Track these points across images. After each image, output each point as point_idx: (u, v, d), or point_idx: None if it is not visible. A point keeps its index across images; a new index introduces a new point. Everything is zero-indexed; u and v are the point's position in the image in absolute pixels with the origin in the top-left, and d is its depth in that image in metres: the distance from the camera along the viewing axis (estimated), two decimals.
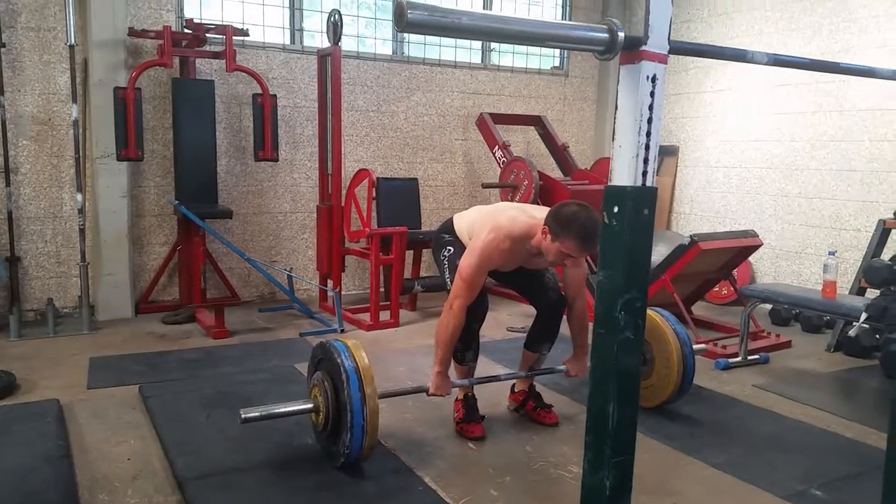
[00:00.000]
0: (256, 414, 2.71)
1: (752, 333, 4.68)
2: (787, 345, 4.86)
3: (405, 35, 6.29)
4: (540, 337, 3.39)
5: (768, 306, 5.35)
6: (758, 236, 5.02)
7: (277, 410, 2.80)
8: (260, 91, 5.20)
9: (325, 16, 5.48)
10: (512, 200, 5.92)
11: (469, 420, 3.22)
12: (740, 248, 4.95)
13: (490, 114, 6.45)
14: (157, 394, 3.57)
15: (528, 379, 3.48)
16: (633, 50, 1.42)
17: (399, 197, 5.90)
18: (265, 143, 5.24)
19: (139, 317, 5.25)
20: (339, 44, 5.24)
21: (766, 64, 1.70)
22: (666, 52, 1.44)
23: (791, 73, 5.64)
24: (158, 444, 3.03)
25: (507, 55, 7.00)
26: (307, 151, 5.96)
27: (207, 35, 5.20)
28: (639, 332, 1.53)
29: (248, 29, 5.40)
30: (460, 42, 6.51)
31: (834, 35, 5.55)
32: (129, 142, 4.76)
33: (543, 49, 6.94)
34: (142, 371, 4.00)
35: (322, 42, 5.86)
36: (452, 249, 3.26)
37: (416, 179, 6.17)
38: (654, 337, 3.46)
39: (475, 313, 3.12)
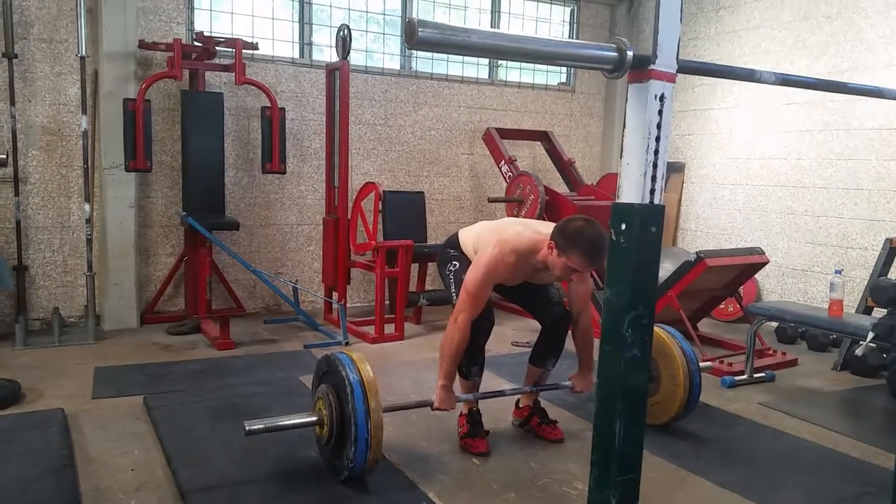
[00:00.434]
0: (260, 426, 2.71)
1: (759, 351, 4.66)
2: (794, 363, 4.84)
3: (413, 50, 6.33)
4: (545, 352, 3.38)
5: (774, 324, 5.32)
6: (764, 253, 5.01)
7: (281, 423, 2.80)
8: (269, 104, 5.23)
9: (334, 30, 5.52)
10: (518, 215, 5.93)
11: (473, 435, 3.21)
12: (746, 266, 4.94)
13: (496, 129, 6.47)
14: (161, 405, 3.57)
15: (533, 394, 3.47)
16: (641, 69, 1.43)
17: (405, 210, 5.92)
18: (273, 156, 5.27)
19: (144, 327, 5.26)
20: (348, 58, 5.28)
21: (775, 83, 1.71)
22: (674, 72, 1.45)
23: (798, 92, 5.65)
24: (162, 455, 3.02)
25: (514, 70, 7.03)
26: (314, 164, 5.99)
27: (217, 48, 5.25)
28: (646, 349, 1.53)
29: (257, 42, 5.45)
30: (468, 57, 6.55)
31: (841, 54, 5.56)
32: (137, 153, 4.79)
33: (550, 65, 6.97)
34: (146, 382, 4.01)
35: (331, 56, 5.90)
36: (458, 264, 3.26)
37: (422, 193, 6.18)
38: (660, 354, 3.45)
39: (481, 328, 3.11)
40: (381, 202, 5.49)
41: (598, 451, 1.57)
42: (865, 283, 4.90)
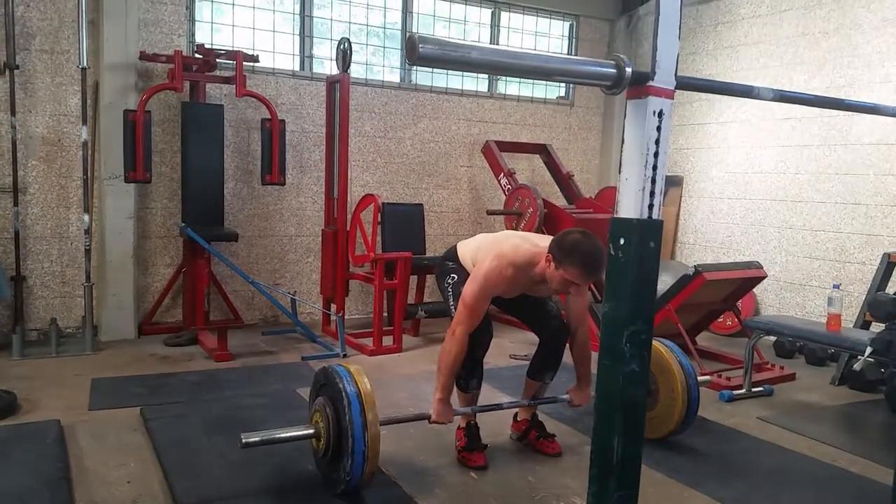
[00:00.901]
0: (257, 439, 2.70)
1: (757, 365, 4.65)
2: (792, 377, 4.83)
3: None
4: (543, 365, 3.38)
5: (773, 338, 5.33)
6: (762, 268, 5.02)
7: (278, 436, 2.79)
8: (269, 116, 5.25)
9: (335, 43, 5.55)
10: (516, 228, 5.94)
11: (471, 448, 3.20)
12: (745, 280, 4.95)
13: (496, 141, 6.49)
14: (158, 416, 3.56)
15: (532, 408, 3.46)
16: (640, 85, 1.44)
17: (404, 222, 5.93)
18: (272, 168, 5.28)
19: (142, 338, 5.25)
20: (348, 71, 5.30)
21: (773, 100, 1.72)
22: (673, 88, 1.46)
23: (796, 107, 5.67)
24: (159, 467, 3.01)
25: (514, 84, 7.07)
26: (314, 176, 6.00)
27: (218, 60, 5.27)
28: (644, 364, 1.53)
29: (258, 55, 5.48)
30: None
31: (838, 70, 5.60)
32: (137, 164, 4.80)
33: None
34: (143, 393, 3.99)
35: (331, 69, 5.93)
36: (456, 277, 3.26)
37: (421, 205, 6.19)
38: (658, 368, 3.44)
39: (480, 341, 3.11)
40: (380, 214, 5.50)
41: (596, 465, 1.57)
42: (863, 297, 4.91)
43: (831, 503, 2.97)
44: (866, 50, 5.40)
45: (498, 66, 1.36)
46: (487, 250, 3.08)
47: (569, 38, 7.42)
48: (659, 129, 1.46)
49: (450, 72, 6.62)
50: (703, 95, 6.65)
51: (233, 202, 5.70)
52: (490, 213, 6.27)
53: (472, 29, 6.87)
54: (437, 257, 6.15)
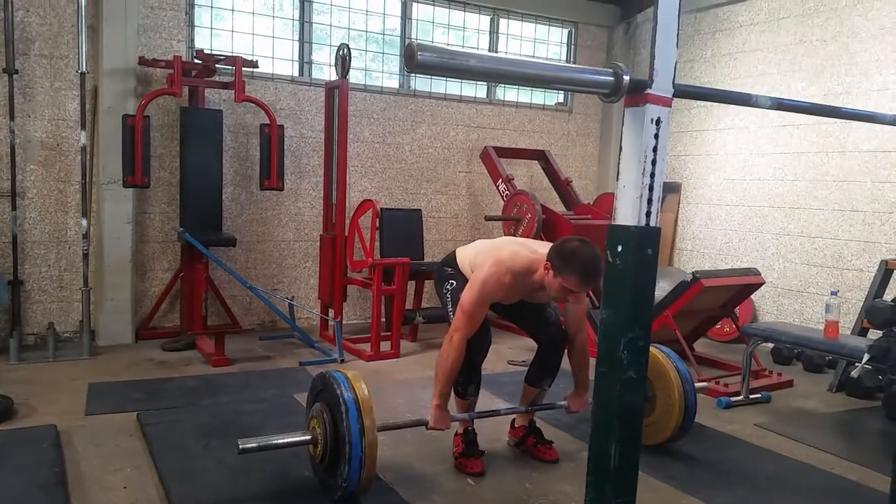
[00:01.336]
0: (254, 445, 2.69)
1: (754, 372, 4.65)
2: (789, 384, 4.84)
3: None
4: (541, 372, 3.38)
5: (770, 345, 5.33)
6: (760, 274, 5.02)
7: (275, 442, 2.78)
8: (268, 121, 5.25)
9: (334, 49, 5.57)
10: (515, 234, 5.94)
11: (468, 455, 3.19)
12: (742, 286, 4.95)
13: (494, 147, 6.51)
14: (155, 422, 3.55)
15: (529, 414, 3.46)
16: (637, 93, 1.45)
17: (402, 228, 5.93)
18: (271, 173, 5.28)
19: (139, 343, 5.24)
20: (347, 77, 5.31)
21: (770, 108, 1.73)
22: (670, 96, 1.47)
23: (794, 114, 5.69)
24: (155, 473, 3.00)
25: (512, 90, 7.08)
26: (312, 181, 6.01)
27: (217, 65, 5.28)
28: (642, 371, 1.53)
29: (257, 60, 5.49)
30: None
31: (836, 77, 5.62)
32: (136, 169, 4.80)
33: None
34: (141, 398, 3.98)
35: (330, 75, 5.94)
36: (455, 283, 3.26)
37: (419, 210, 6.20)
38: (655, 374, 3.44)
39: (478, 347, 3.11)
40: (378, 219, 5.50)
41: (593, 472, 1.57)
42: (861, 304, 4.92)
43: None
44: (864, 58, 5.42)
45: (496, 73, 1.37)
46: (486, 256, 3.08)
47: (567, 45, 7.44)
48: (657, 136, 1.47)
49: (448, 78, 6.63)
50: (702, 103, 6.67)
51: (231, 207, 5.70)
52: (488, 218, 6.28)
53: (471, 35, 6.89)
54: (435, 263, 6.15)
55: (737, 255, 6.39)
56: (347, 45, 5.31)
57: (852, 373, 3.99)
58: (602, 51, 7.47)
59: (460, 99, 6.73)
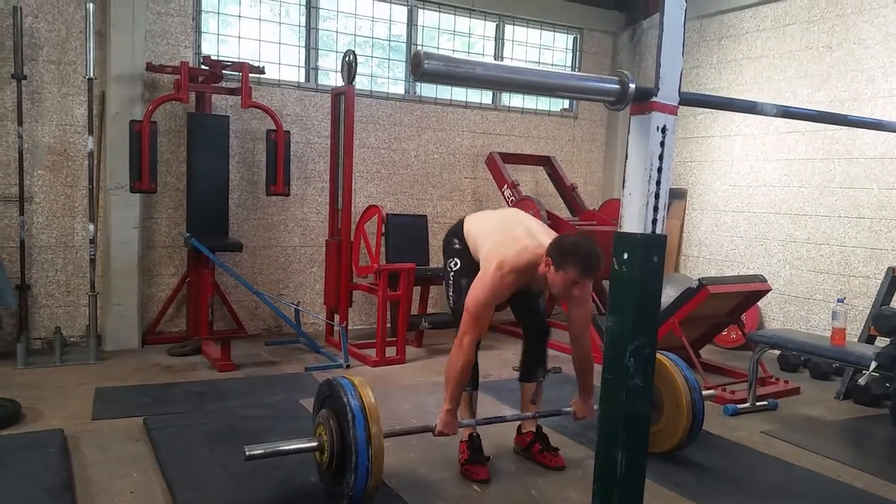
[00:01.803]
0: (260, 451, 2.69)
1: (761, 379, 4.64)
2: (796, 391, 4.82)
3: None
4: (531, 364, 3.43)
5: (777, 352, 5.31)
6: (766, 281, 5.01)
7: (281, 448, 2.77)
8: (274, 127, 5.27)
9: (340, 55, 5.59)
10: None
11: (474, 462, 3.19)
12: (749, 293, 4.94)
13: (500, 153, 6.51)
14: (161, 427, 3.56)
15: (535, 420, 3.45)
16: (643, 101, 1.45)
17: (408, 233, 5.93)
18: (277, 178, 5.30)
19: (146, 347, 5.25)
20: (353, 83, 5.33)
21: (776, 115, 1.73)
22: (676, 104, 1.47)
23: (800, 121, 5.68)
24: (161, 477, 3.01)
25: (518, 96, 7.09)
26: (318, 187, 6.03)
27: (224, 72, 5.30)
28: (648, 378, 1.53)
29: (264, 66, 5.51)
30: None
31: (842, 84, 5.61)
32: (143, 174, 4.82)
33: None
34: (147, 403, 3.99)
35: (336, 81, 5.96)
36: (459, 263, 3.30)
37: (425, 216, 6.21)
38: (663, 382, 3.44)
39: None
40: (383, 225, 5.51)
41: (599, 480, 1.57)
42: (868, 311, 4.89)
43: None
44: (870, 65, 5.42)
45: (502, 81, 1.38)
46: (491, 250, 3.07)
47: (573, 52, 7.45)
48: (662, 144, 1.47)
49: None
50: (707, 109, 6.66)
51: (237, 213, 5.72)
52: None
53: (476, 42, 6.90)
54: (440, 269, 6.17)
55: (743, 261, 6.38)
56: (353, 52, 5.33)
57: (859, 380, 3.98)
58: (607, 57, 7.48)
59: (466, 105, 6.74)
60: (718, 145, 6.65)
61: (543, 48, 7.25)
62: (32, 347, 4.93)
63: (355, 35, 6.23)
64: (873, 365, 3.70)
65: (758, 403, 4.36)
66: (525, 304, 3.44)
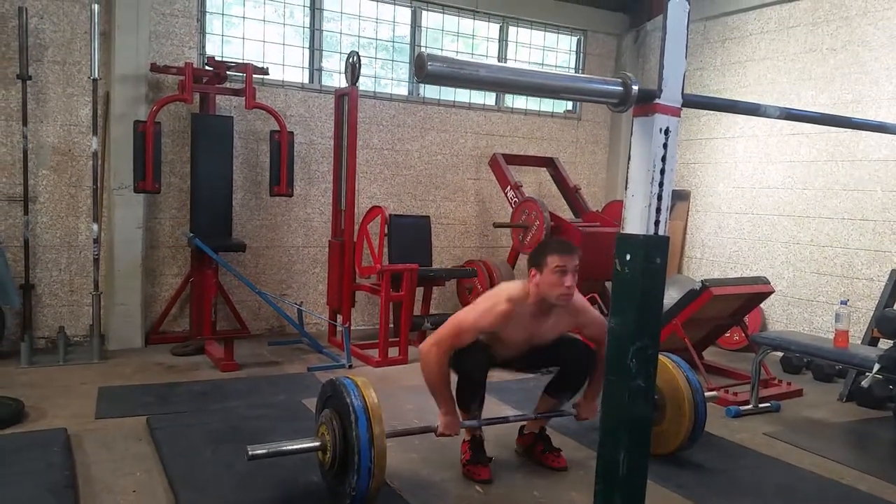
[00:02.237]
0: (263, 451, 2.70)
1: (764, 381, 4.63)
2: (799, 393, 4.81)
3: None
4: (563, 385, 3.37)
5: (780, 354, 5.30)
6: (769, 283, 5.00)
7: (284, 448, 2.78)
8: (278, 128, 5.29)
9: (344, 56, 5.60)
10: (523, 240, 5.96)
11: (476, 462, 3.19)
12: (752, 295, 4.93)
13: (503, 154, 6.52)
14: (164, 426, 3.57)
15: (538, 422, 3.45)
16: (646, 103, 1.45)
17: (411, 234, 5.94)
18: (281, 179, 5.31)
19: (149, 347, 5.27)
20: (357, 84, 5.34)
21: (779, 118, 1.73)
22: (679, 106, 1.47)
23: (803, 123, 5.68)
24: (164, 477, 3.02)
25: (521, 98, 7.09)
26: (321, 187, 6.03)
27: (228, 72, 5.31)
28: (650, 380, 1.53)
29: (268, 68, 5.53)
30: None
31: (846, 86, 5.60)
32: (146, 174, 4.83)
33: None
34: (150, 402, 4.00)
35: (340, 82, 5.97)
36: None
37: (428, 217, 6.21)
38: (665, 383, 3.43)
39: (473, 365, 3.10)
40: (386, 226, 5.51)
41: (601, 481, 1.57)
42: (871, 314, 4.89)
43: None
44: (874, 67, 5.41)
45: (505, 83, 1.38)
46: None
47: (576, 53, 7.45)
48: (665, 146, 1.47)
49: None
50: (711, 111, 6.66)
51: (241, 213, 5.73)
52: (496, 225, 6.29)
53: (480, 43, 6.91)
54: (443, 269, 6.19)
55: (746, 263, 6.37)
56: (357, 53, 5.34)
57: (862, 382, 3.97)
58: (611, 59, 7.48)
59: (469, 106, 6.74)
60: (722, 147, 6.64)
61: (547, 50, 7.25)
62: (36, 346, 4.95)
63: (359, 36, 6.24)
64: (876, 367, 3.69)
65: (760, 405, 4.35)
66: (552, 349, 3.26)
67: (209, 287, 5.14)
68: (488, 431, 3.35)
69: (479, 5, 6.65)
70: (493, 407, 3.99)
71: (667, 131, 1.46)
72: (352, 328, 5.39)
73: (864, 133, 5.44)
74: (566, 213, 6.55)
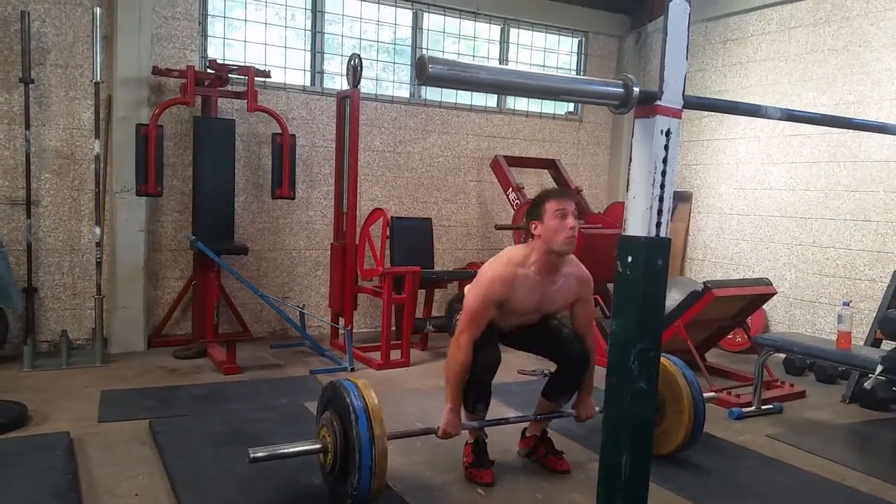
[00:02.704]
0: (264, 454, 2.70)
1: (766, 382, 4.63)
2: (802, 395, 4.80)
3: None
4: (560, 388, 3.35)
5: (782, 355, 5.30)
6: (772, 284, 5.00)
7: (285, 451, 2.79)
8: (279, 131, 5.29)
9: (345, 59, 5.61)
10: (525, 243, 5.94)
11: (479, 465, 3.19)
12: (754, 296, 4.93)
13: (504, 156, 6.52)
14: (166, 429, 3.57)
15: (540, 424, 3.44)
16: (647, 104, 1.45)
17: (413, 236, 5.94)
18: (283, 182, 5.32)
19: (151, 350, 5.27)
20: (359, 86, 5.34)
21: (780, 119, 1.73)
22: (680, 107, 1.47)
23: (805, 124, 5.67)
24: (167, 480, 3.02)
25: (522, 100, 7.09)
26: (323, 190, 6.04)
27: (230, 75, 5.32)
28: (652, 382, 1.53)
29: (269, 70, 5.54)
30: None
31: (847, 87, 5.60)
32: (149, 177, 4.84)
33: None
34: (152, 405, 4.01)
35: (342, 84, 5.98)
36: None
37: (429, 219, 6.21)
38: (664, 383, 3.43)
39: (487, 365, 3.09)
40: (388, 228, 5.52)
41: (603, 483, 1.57)
42: (874, 315, 4.88)
43: None
44: (875, 67, 5.40)
45: (506, 86, 1.39)
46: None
47: (578, 55, 7.45)
48: (667, 148, 1.47)
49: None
50: (712, 112, 6.65)
51: (243, 216, 5.74)
52: (498, 227, 6.28)
53: (481, 45, 6.91)
54: (445, 272, 6.19)
55: (748, 264, 6.36)
56: (359, 55, 5.34)
57: (865, 384, 3.96)
58: (612, 60, 7.48)
59: (470, 108, 6.75)
60: (724, 148, 6.64)
61: (548, 51, 7.26)
62: (39, 350, 4.95)
63: (360, 39, 6.25)
64: (879, 368, 3.69)
65: (763, 407, 4.35)
66: (552, 340, 3.29)
67: (211, 290, 5.14)
68: (491, 435, 3.35)
69: (481, 7, 6.66)
70: (495, 410, 3.97)
71: (668, 133, 1.46)
72: (354, 331, 5.39)
73: (865, 134, 5.43)
74: None
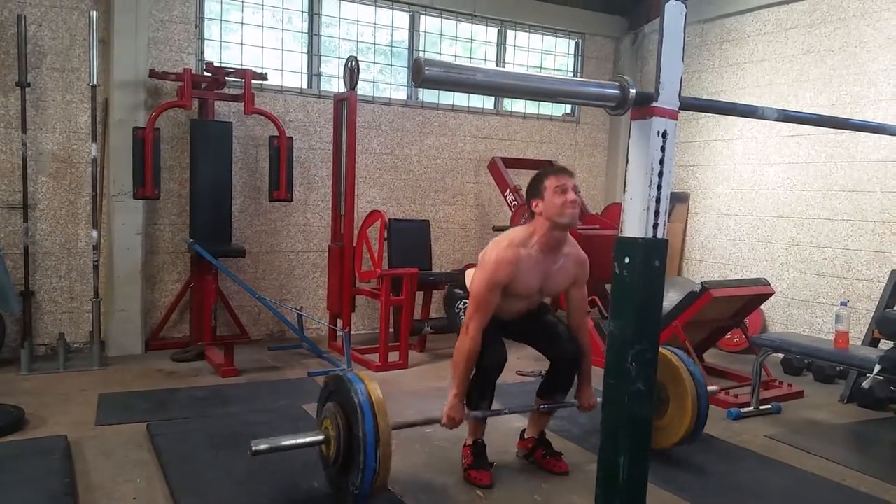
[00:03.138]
0: (266, 446, 2.66)
1: (764, 383, 4.63)
2: (800, 395, 4.80)
3: None
4: (554, 387, 3.36)
5: (780, 355, 5.30)
6: (769, 284, 5.00)
7: (287, 443, 2.75)
8: (277, 133, 5.29)
9: (342, 62, 5.61)
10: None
11: (477, 467, 3.18)
12: (752, 297, 4.93)
13: (502, 158, 6.52)
14: (164, 432, 3.56)
15: (539, 426, 3.44)
16: (644, 106, 1.45)
17: (410, 238, 5.94)
18: (280, 184, 5.32)
19: (149, 353, 5.26)
20: (356, 89, 5.34)
21: (777, 120, 1.73)
22: (677, 109, 1.48)
23: (801, 125, 5.68)
24: (165, 483, 3.01)
25: (520, 101, 7.10)
26: (321, 192, 6.04)
27: (227, 78, 5.32)
28: (650, 383, 1.53)
29: (266, 73, 5.53)
30: None
31: (844, 87, 5.61)
32: (146, 180, 4.83)
33: None
34: (150, 408, 4.00)
35: (339, 87, 5.98)
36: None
37: (427, 221, 6.21)
38: (669, 377, 3.43)
39: (493, 362, 3.10)
40: (386, 230, 5.51)
41: (602, 485, 1.57)
42: (871, 315, 4.89)
43: None
44: (872, 68, 5.42)
45: (503, 87, 1.39)
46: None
47: (575, 56, 7.46)
48: (663, 149, 1.47)
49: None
50: (708, 113, 6.66)
51: (240, 218, 5.73)
52: (496, 229, 6.29)
53: (478, 47, 6.92)
54: (443, 273, 6.19)
55: (746, 265, 6.37)
56: (356, 58, 5.34)
57: (863, 383, 3.97)
58: (609, 61, 7.49)
59: (468, 110, 6.75)
60: (721, 149, 6.65)
61: (545, 53, 7.27)
62: (36, 353, 4.94)
63: (357, 41, 6.25)
64: (877, 368, 3.69)
65: (761, 407, 4.35)
66: (548, 335, 3.31)
67: (209, 293, 5.14)
68: (489, 436, 3.35)
69: (477, 9, 6.66)
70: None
71: (664, 134, 1.46)
72: (352, 333, 5.39)
73: (862, 134, 5.44)
74: None
